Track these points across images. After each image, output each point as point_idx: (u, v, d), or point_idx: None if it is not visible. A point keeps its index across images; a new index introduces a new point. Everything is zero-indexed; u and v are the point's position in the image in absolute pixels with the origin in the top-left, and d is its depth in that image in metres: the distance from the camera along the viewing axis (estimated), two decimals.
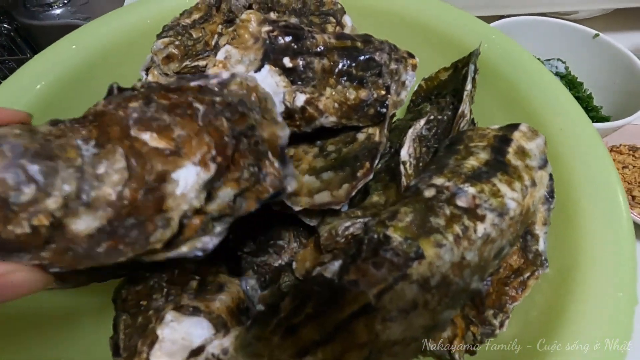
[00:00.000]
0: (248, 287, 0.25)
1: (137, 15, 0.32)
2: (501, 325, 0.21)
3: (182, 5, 0.34)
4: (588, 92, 0.39)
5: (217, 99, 0.15)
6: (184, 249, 0.15)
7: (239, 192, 0.15)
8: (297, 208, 0.23)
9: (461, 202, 0.18)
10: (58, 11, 0.63)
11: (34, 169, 0.14)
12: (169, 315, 0.18)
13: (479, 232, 0.17)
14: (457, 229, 0.17)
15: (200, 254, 0.15)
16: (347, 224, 0.22)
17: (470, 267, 0.17)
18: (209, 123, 0.15)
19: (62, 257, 0.14)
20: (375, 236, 0.17)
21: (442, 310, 0.17)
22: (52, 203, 0.14)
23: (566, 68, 0.40)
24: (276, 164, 0.16)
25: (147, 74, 0.31)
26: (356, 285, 0.15)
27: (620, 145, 0.37)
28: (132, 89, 0.17)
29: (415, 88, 0.32)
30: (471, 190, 0.18)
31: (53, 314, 0.23)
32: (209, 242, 0.15)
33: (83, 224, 0.14)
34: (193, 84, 0.16)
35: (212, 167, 0.14)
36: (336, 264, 0.16)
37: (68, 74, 0.29)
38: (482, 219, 0.18)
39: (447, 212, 0.18)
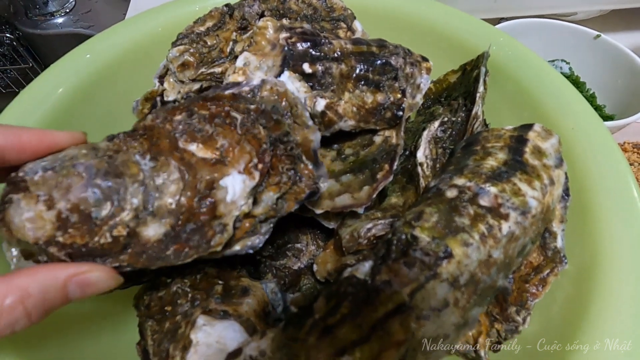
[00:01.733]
0: (268, 291, 0.26)
1: (148, 24, 0.33)
2: (524, 322, 0.21)
3: (191, 13, 0.34)
4: (591, 92, 0.40)
5: (252, 106, 0.16)
6: (237, 248, 0.17)
7: (280, 195, 0.16)
8: (319, 211, 0.23)
9: (484, 201, 0.19)
10: (60, 20, 0.63)
11: (108, 185, 0.16)
12: (201, 320, 0.18)
13: (504, 231, 0.18)
14: (483, 228, 0.18)
15: (251, 251, 0.17)
16: (369, 225, 0.22)
17: (497, 265, 0.17)
18: (247, 131, 0.15)
19: (137, 260, 0.16)
20: (404, 237, 0.17)
21: (471, 308, 0.17)
22: (126, 215, 0.16)
23: (570, 69, 0.40)
24: (310, 166, 0.17)
25: (160, 82, 0.31)
26: (389, 285, 0.15)
27: (625, 142, 0.38)
28: (173, 101, 0.18)
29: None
30: (493, 189, 0.19)
31: (74, 319, 0.23)
32: (258, 241, 0.17)
33: (152, 231, 0.16)
34: (227, 92, 0.16)
35: (256, 174, 0.15)
36: (367, 265, 0.17)
37: (84, 83, 0.29)
38: (505, 217, 0.18)
39: (471, 211, 0.18)
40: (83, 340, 0.23)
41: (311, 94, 0.22)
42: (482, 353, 0.20)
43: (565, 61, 0.41)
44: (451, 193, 0.19)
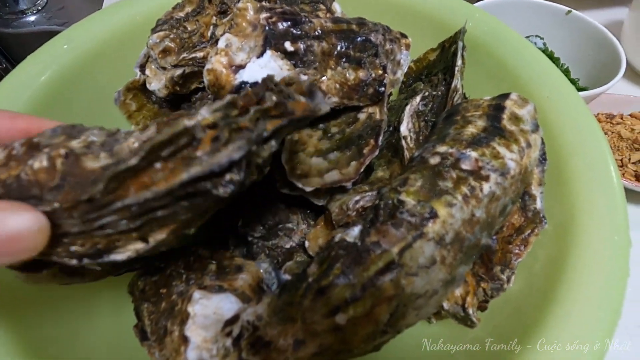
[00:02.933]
0: (262, 270, 0.26)
1: (125, 13, 0.32)
2: (508, 280, 0.22)
3: (168, 0, 0.34)
4: (565, 67, 0.42)
5: None
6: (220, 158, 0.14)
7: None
8: (308, 188, 0.24)
9: (465, 165, 0.19)
10: (32, 18, 0.61)
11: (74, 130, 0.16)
12: (197, 294, 0.18)
13: (485, 191, 0.18)
14: (465, 189, 0.18)
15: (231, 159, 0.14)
16: (357, 197, 0.23)
17: (480, 224, 0.18)
18: None
19: (69, 196, 0.14)
20: (390, 201, 0.18)
21: (458, 266, 0.18)
22: (76, 143, 0.14)
23: (544, 44, 0.42)
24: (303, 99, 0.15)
25: (141, 71, 0.31)
26: (379, 246, 0.16)
27: (598, 113, 0.39)
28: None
29: (405, 70, 0.34)
30: (473, 154, 0.20)
31: (72, 306, 0.23)
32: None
33: (97, 164, 0.14)
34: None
35: None
36: (356, 229, 0.17)
37: (62, 73, 0.29)
38: (486, 179, 0.19)
39: (454, 175, 0.19)
40: (85, 328, 0.24)
41: (294, 71, 0.23)
42: (470, 311, 0.21)
43: (539, 37, 0.42)
44: (434, 160, 0.20)
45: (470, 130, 0.21)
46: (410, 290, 0.16)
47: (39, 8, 0.62)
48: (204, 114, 0.14)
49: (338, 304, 0.15)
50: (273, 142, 0.15)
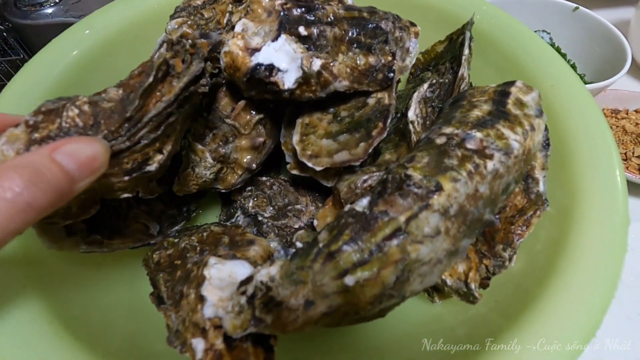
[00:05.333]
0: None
1: (145, 1, 0.34)
2: (510, 259, 0.23)
3: None
4: (572, 62, 0.42)
5: None
6: None
7: None
8: (318, 168, 0.24)
9: (470, 145, 0.20)
10: (50, 10, 0.63)
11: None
12: (212, 259, 0.19)
13: (489, 168, 0.19)
14: (470, 166, 0.19)
15: None
16: (365, 177, 0.24)
17: (483, 199, 0.19)
18: None
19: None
20: (397, 176, 0.19)
21: (461, 238, 0.18)
22: (85, 99, 0.20)
23: (551, 39, 0.42)
24: None
25: None
26: (386, 214, 0.17)
27: (603, 109, 0.40)
28: None
29: (414, 62, 0.34)
30: (478, 134, 0.20)
31: (92, 276, 0.25)
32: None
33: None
34: None
35: None
36: (364, 200, 0.18)
37: (82, 58, 0.30)
38: (490, 157, 0.20)
39: (459, 153, 0.20)
40: (99, 290, 0.25)
41: (307, 54, 0.23)
42: (472, 286, 0.22)
43: (546, 31, 0.43)
44: (440, 140, 0.21)
45: (476, 113, 0.22)
46: (416, 257, 0.16)
47: (57, 1, 0.64)
48: (163, 51, 0.21)
49: (347, 267, 0.16)
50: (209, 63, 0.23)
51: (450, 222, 0.18)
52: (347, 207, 0.18)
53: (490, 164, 0.19)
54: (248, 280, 0.17)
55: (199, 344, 0.17)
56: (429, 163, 0.19)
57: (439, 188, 0.18)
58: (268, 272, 0.16)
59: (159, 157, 0.20)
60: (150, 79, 0.20)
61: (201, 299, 0.17)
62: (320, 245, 0.17)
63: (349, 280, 0.16)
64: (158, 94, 0.20)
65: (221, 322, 0.17)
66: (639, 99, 0.37)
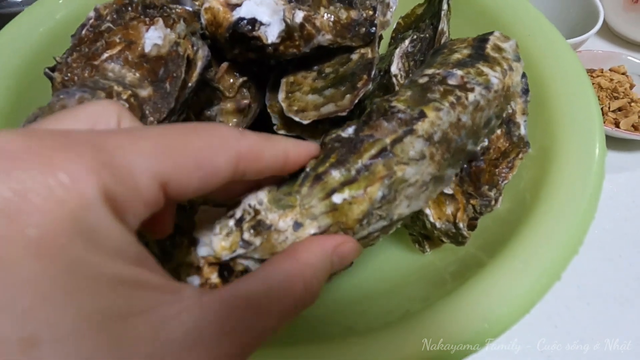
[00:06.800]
0: None
1: None
2: (496, 201, 0.23)
3: None
4: None
5: None
6: None
7: None
8: (306, 122, 0.25)
9: (452, 81, 0.21)
10: None
11: None
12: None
13: (470, 99, 0.20)
14: (452, 98, 0.20)
15: None
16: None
17: (466, 129, 0.19)
18: None
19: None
20: (382, 107, 0.19)
21: (446, 167, 0.19)
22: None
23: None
24: None
25: None
26: (372, 137, 0.17)
27: None
28: None
29: (394, 26, 0.35)
30: (459, 72, 0.21)
31: None
32: None
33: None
34: None
35: None
36: (350, 129, 0.18)
37: (56, 28, 0.30)
38: (471, 90, 0.20)
39: (441, 89, 0.20)
40: None
41: (289, 5, 0.24)
42: (461, 226, 0.22)
43: None
44: (423, 80, 0.21)
45: (456, 56, 0.23)
46: (402, 176, 0.17)
47: None
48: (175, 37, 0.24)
49: (334, 187, 0.16)
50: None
51: (434, 148, 0.18)
52: (332, 134, 0.18)
53: (471, 96, 0.20)
54: (235, 204, 0.17)
55: (194, 280, 0.17)
56: (412, 96, 0.20)
57: (422, 115, 0.18)
58: (256, 196, 0.16)
59: None
60: (182, 75, 0.22)
61: (193, 241, 0.17)
62: (308, 169, 0.17)
63: (337, 198, 0.16)
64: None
65: (213, 253, 0.17)
66: (612, 59, 0.39)
